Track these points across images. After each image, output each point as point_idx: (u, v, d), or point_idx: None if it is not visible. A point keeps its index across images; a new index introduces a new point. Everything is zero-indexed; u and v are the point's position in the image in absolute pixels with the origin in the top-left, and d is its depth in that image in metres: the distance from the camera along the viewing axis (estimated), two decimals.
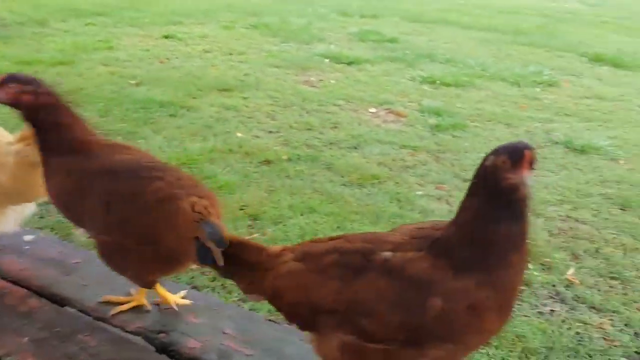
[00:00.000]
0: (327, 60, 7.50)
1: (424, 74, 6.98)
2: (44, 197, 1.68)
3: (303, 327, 1.33)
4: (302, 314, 1.27)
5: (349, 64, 7.41)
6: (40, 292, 1.47)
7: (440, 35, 9.81)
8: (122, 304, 1.50)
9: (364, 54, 7.97)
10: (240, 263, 1.35)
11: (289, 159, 4.43)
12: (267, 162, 4.39)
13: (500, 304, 1.17)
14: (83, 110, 5.39)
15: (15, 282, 1.51)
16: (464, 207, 1.28)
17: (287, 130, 5.07)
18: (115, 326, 1.41)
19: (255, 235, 3.39)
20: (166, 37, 8.37)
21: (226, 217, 3.52)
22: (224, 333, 1.42)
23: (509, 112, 5.91)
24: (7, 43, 7.58)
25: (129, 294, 1.52)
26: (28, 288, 1.48)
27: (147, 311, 1.46)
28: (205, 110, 5.46)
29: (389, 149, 4.78)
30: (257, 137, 4.93)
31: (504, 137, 5.21)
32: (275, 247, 1.39)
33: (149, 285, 1.48)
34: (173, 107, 5.40)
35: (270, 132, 5.05)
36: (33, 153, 1.54)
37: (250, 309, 2.54)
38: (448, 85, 6.65)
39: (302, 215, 3.59)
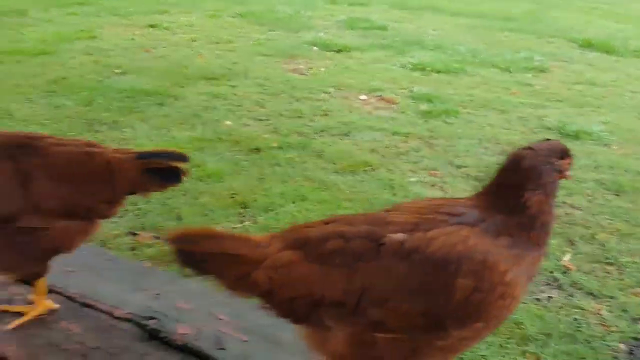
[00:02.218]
0: (315, 48, 7.39)
1: (414, 60, 6.89)
2: None
3: (298, 321, 1.21)
4: (300, 308, 1.15)
5: (338, 51, 7.30)
6: (22, 279, 1.37)
7: (429, 22, 9.72)
8: (22, 314, 1.33)
9: (353, 41, 7.86)
10: (223, 258, 1.19)
11: (279, 147, 4.34)
12: (257, 150, 4.30)
13: (529, 277, 1.22)
14: (66, 100, 5.23)
15: None
16: (518, 192, 1.23)
17: (276, 118, 4.98)
18: (104, 312, 1.31)
19: (246, 223, 3.31)
20: (152, 26, 8.20)
21: (216, 205, 3.45)
22: (219, 319, 1.33)
23: (500, 98, 5.85)
24: None
25: (28, 302, 1.36)
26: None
27: (136, 297, 1.36)
28: (193, 99, 5.35)
29: (380, 135, 4.70)
30: (247, 125, 4.83)
31: (496, 123, 5.15)
32: (261, 237, 1.25)
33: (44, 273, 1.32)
34: (160, 96, 5.28)
35: (260, 120, 4.95)
36: None
37: None
38: (438, 71, 6.58)
39: (293, 203, 3.51)
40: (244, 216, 3.39)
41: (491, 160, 4.32)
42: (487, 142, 4.72)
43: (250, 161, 4.11)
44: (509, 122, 5.23)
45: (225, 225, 3.25)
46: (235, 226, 3.28)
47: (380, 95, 5.72)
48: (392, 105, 5.47)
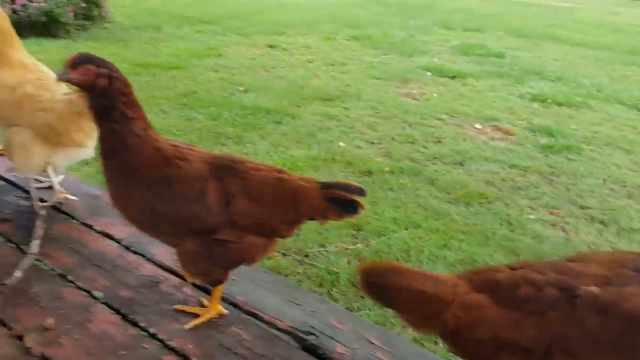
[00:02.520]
0: (429, 73, 7.37)
1: (533, 91, 6.66)
2: (83, 146, 1.86)
3: None
4: (485, 350, 1.16)
5: (452, 77, 7.23)
6: (204, 284, 1.50)
7: (549, 52, 9.36)
8: (197, 315, 1.44)
9: (468, 68, 7.75)
10: (412, 294, 1.20)
11: (391, 172, 4.37)
12: (369, 173, 4.36)
13: None
14: (196, 113, 5.62)
15: (169, 271, 1.57)
16: None
17: (388, 142, 5.02)
18: (267, 322, 1.41)
19: (358, 245, 3.36)
20: (271, 46, 8.63)
21: (331, 224, 3.54)
22: (371, 343, 1.37)
23: (627, 137, 5.48)
24: (126, 47, 8.13)
25: (201, 305, 1.47)
26: (181, 277, 1.53)
27: (293, 312, 1.44)
28: (309, 118, 5.54)
29: (496, 167, 4.58)
30: (359, 147, 4.92)
31: (623, 163, 4.83)
32: (447, 276, 1.28)
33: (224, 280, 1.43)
34: (278, 115, 5.52)
35: (372, 143, 5.02)
36: (81, 103, 1.63)
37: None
38: (560, 104, 6.30)
39: (406, 229, 3.51)
40: (356, 238, 3.44)
41: (618, 203, 4.07)
42: (612, 183, 4.44)
43: (362, 183, 4.13)
44: (637, 163, 4.88)
45: (338, 245, 3.33)
46: (348, 247, 3.34)
47: (497, 125, 5.59)
48: (509, 137, 5.31)
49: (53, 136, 1.80)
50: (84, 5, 8.41)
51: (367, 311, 2.72)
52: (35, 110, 1.77)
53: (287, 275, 2.96)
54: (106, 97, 1.30)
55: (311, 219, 1.41)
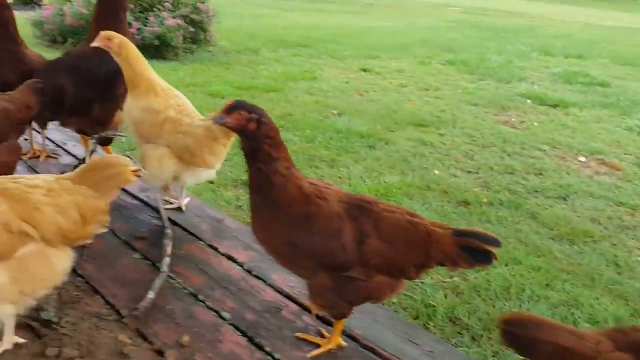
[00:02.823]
0: (528, 101, 7.14)
1: None
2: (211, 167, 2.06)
3: None
4: None
5: (554, 106, 6.96)
6: (328, 316, 1.55)
7: None
8: (317, 345, 1.48)
9: (571, 96, 7.43)
10: (553, 348, 1.23)
11: (490, 203, 4.27)
12: (466, 203, 4.28)
13: None
14: (292, 135, 5.80)
15: (289, 298, 1.66)
16: None
17: (486, 172, 4.91)
18: (385, 359, 1.45)
19: (455, 279, 3.30)
20: (364, 70, 8.75)
21: None
22: None
23: None
24: (228, 69, 8.57)
25: (320, 334, 1.51)
26: (300, 305, 1.61)
27: (410, 350, 1.47)
28: (402, 144, 5.54)
29: (602, 204, 4.34)
30: (455, 176, 4.84)
31: None
32: (590, 332, 1.27)
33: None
34: (372, 139, 5.57)
35: (469, 172, 4.93)
36: (218, 131, 1.91)
37: None
38: None
39: (506, 265, 3.41)
40: (454, 271, 3.39)
41: None
42: None
43: (458, 214, 4.10)
44: None
45: (435, 277, 3.29)
46: (445, 280, 3.29)
47: (602, 159, 5.30)
48: (616, 172, 5.02)
49: (188, 156, 1.97)
50: (192, 29, 8.98)
51: (465, 348, 2.67)
52: (175, 133, 1.95)
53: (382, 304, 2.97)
54: (254, 139, 1.43)
55: (441, 264, 1.43)
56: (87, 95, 2.16)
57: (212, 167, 2.02)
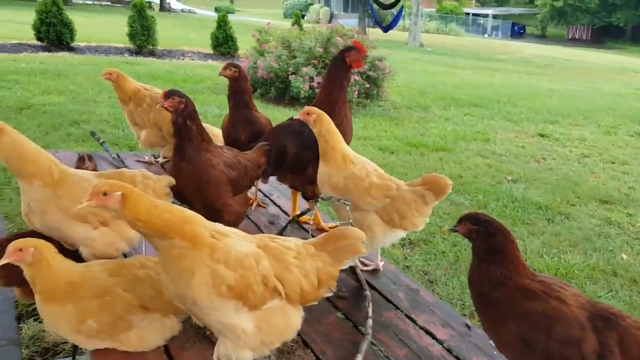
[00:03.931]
0: None
1: None
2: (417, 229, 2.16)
3: None
4: None
5: None
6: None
7: None
8: None
9: None
10: None
11: None
12: None
13: None
14: (463, 199, 5.68)
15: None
16: None
17: None
18: None
19: None
20: (542, 135, 8.36)
21: None
22: None
23: None
24: (398, 124, 8.77)
25: None
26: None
27: None
28: (585, 221, 5.15)
29: None
30: None
31: None
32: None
33: None
34: (550, 212, 5.26)
35: None
36: (428, 195, 2.13)
37: None
38: None
39: None
40: None
41: None
42: None
43: None
44: None
45: None
46: None
47: None
48: None
49: (397, 220, 2.08)
50: (367, 85, 9.43)
51: None
52: (383, 198, 2.08)
53: None
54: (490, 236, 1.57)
55: None
56: (305, 157, 2.39)
57: (418, 229, 2.12)
